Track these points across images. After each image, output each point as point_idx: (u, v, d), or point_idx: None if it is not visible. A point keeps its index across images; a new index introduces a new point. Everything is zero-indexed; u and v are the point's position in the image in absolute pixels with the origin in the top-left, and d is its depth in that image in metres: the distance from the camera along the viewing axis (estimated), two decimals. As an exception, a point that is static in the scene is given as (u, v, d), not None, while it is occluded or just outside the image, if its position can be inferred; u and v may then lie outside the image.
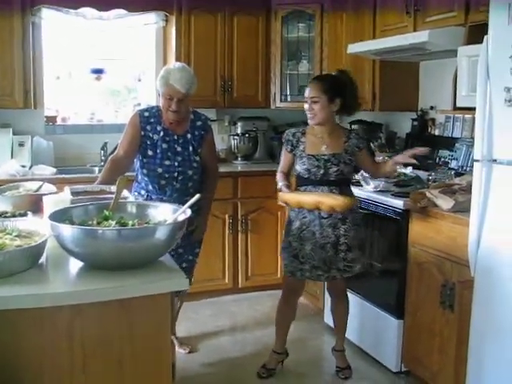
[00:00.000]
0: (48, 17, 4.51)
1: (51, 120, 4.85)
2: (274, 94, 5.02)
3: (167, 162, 3.18)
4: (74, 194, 2.88)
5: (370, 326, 3.63)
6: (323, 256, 3.12)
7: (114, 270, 1.79)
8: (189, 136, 3.24)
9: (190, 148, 3.23)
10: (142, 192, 3.27)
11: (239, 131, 5.19)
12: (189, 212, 1.99)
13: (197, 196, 2.01)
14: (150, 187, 3.23)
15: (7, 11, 4.19)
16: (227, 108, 5.06)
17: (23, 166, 4.23)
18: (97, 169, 4.55)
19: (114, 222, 1.90)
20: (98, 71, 5.02)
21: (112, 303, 1.70)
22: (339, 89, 3.09)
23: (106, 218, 1.98)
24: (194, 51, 4.78)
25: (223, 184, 4.29)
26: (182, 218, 1.97)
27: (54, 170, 4.35)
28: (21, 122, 4.63)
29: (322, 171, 3.10)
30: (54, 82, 4.93)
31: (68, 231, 1.75)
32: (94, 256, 1.79)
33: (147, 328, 1.77)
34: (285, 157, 3.26)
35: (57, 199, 2.22)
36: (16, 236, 1.90)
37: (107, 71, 5.08)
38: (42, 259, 1.91)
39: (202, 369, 3.55)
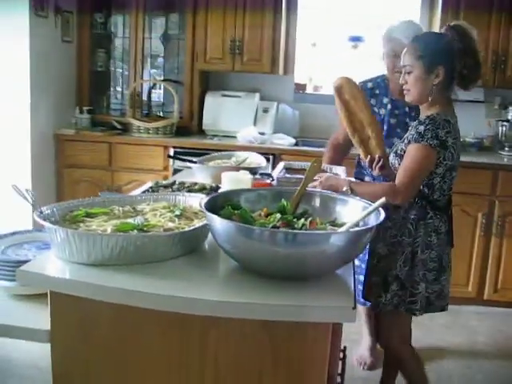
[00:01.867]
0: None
1: (301, 88, 4.67)
2: None
3: (395, 140, 2.67)
4: (287, 170, 2.62)
5: None
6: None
7: (270, 279, 1.41)
8: None
9: None
10: (367, 178, 2.83)
11: (510, 116, 4.34)
12: (382, 215, 1.52)
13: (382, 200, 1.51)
14: None
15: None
16: (497, 88, 4.26)
17: (262, 134, 4.09)
18: (339, 144, 4.21)
19: (279, 217, 1.51)
20: (356, 39, 4.65)
21: (252, 322, 1.34)
22: (442, 53, 2.12)
23: (281, 211, 1.61)
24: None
25: (480, 176, 3.84)
26: (371, 221, 1.52)
27: (293, 140, 4.14)
28: (269, 87, 4.53)
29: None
30: (309, 48, 4.70)
31: (216, 222, 1.42)
32: (246, 259, 1.44)
33: (295, 361, 1.37)
34: None
35: (233, 177, 1.92)
36: (177, 215, 1.65)
37: (366, 40, 4.68)
38: (205, 245, 1.65)
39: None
